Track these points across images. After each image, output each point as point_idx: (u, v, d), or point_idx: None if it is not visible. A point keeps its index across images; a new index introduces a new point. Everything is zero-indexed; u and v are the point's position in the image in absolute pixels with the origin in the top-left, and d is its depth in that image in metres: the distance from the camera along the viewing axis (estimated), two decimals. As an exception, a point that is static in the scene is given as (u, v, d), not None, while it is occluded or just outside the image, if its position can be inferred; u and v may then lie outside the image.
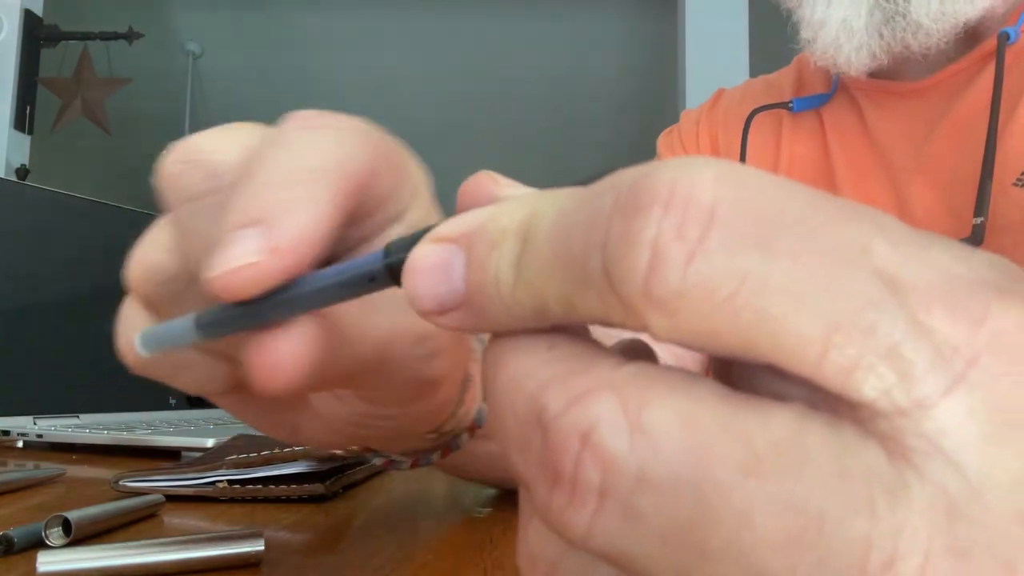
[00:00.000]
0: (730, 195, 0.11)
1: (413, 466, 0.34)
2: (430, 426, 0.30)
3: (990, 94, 0.55)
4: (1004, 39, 0.56)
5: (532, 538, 0.13)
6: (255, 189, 0.18)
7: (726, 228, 0.11)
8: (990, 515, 0.10)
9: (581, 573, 0.12)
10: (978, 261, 0.11)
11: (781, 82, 0.73)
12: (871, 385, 0.10)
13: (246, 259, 0.17)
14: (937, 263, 0.11)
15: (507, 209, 0.13)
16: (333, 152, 0.20)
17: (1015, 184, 0.54)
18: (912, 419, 0.10)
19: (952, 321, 0.10)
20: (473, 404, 0.32)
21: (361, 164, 0.20)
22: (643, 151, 0.78)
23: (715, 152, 0.73)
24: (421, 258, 0.13)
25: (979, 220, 0.53)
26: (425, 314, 0.13)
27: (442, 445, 0.33)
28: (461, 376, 0.29)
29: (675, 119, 0.79)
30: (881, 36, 0.57)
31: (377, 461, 0.33)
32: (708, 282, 0.10)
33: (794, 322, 0.10)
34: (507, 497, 0.44)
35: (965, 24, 0.56)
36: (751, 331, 0.10)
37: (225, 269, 0.17)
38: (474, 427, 0.33)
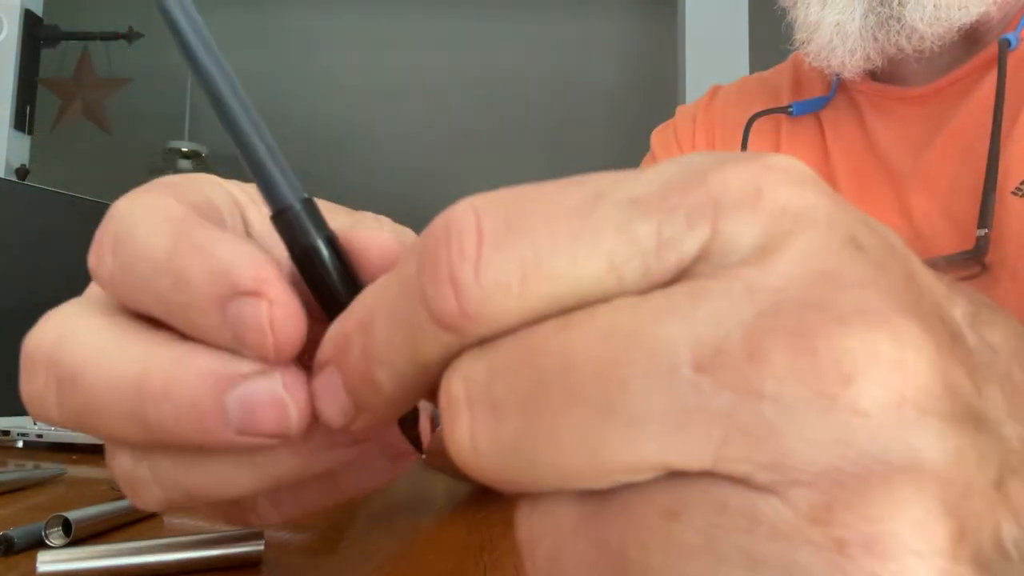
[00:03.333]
0: (488, 207, 0.13)
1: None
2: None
3: (992, 101, 0.55)
4: (1005, 45, 0.56)
5: (536, 522, 0.13)
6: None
7: (493, 232, 0.13)
8: (777, 277, 0.12)
9: (583, 555, 0.12)
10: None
11: (777, 80, 0.73)
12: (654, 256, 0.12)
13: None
14: (650, 179, 0.13)
15: (348, 317, 0.15)
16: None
17: (1014, 193, 0.53)
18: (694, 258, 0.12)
19: (679, 207, 0.13)
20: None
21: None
22: (642, 151, 0.78)
23: (712, 150, 0.72)
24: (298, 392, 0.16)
25: (983, 232, 0.52)
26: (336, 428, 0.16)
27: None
28: None
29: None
30: (875, 39, 0.57)
31: None
32: (500, 279, 0.12)
33: (574, 257, 0.12)
34: (507, 497, 0.44)
35: (960, 29, 0.56)
36: (550, 289, 0.12)
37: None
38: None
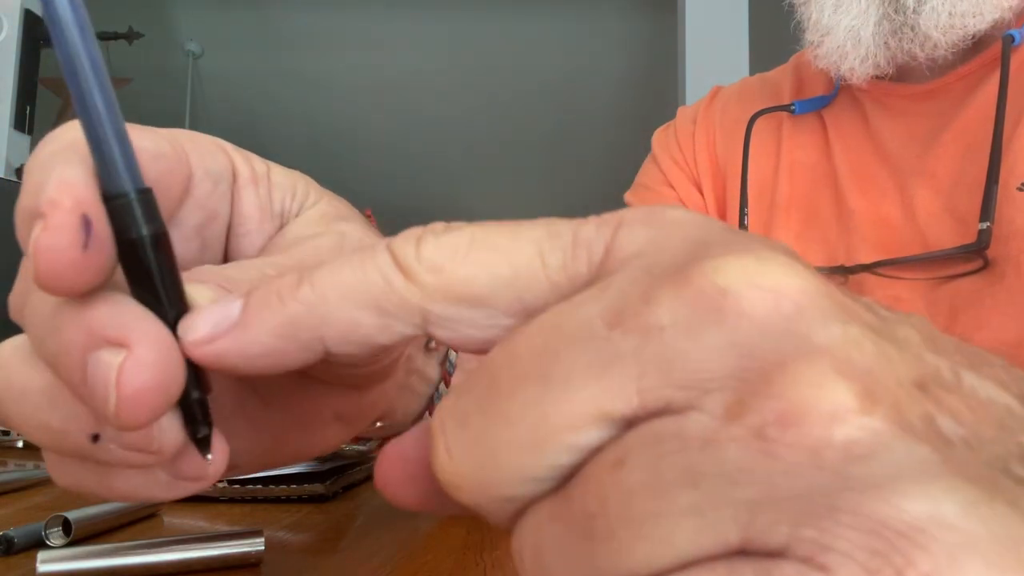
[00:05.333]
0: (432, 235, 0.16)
1: (383, 446, 0.35)
2: (377, 412, 0.30)
3: (996, 98, 0.55)
4: (1009, 41, 0.56)
5: (522, 528, 0.14)
6: None
7: (431, 229, 0.16)
8: (665, 253, 0.14)
9: (558, 536, 0.13)
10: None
11: (779, 81, 0.73)
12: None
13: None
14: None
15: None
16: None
17: (1020, 188, 0.53)
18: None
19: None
20: (423, 386, 0.33)
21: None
22: (642, 151, 0.78)
23: (713, 153, 0.72)
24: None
25: (985, 225, 0.53)
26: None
27: (403, 429, 0.34)
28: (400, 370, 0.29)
29: (674, 119, 0.79)
30: (888, 47, 0.56)
31: (372, 445, 0.34)
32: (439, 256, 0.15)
33: (512, 239, 0.15)
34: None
35: (974, 36, 0.55)
36: (492, 264, 0.15)
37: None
38: (432, 407, 0.34)
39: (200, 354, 0.16)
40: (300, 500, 0.44)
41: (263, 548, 0.31)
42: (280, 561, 0.32)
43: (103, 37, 3.04)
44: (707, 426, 0.12)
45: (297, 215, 0.24)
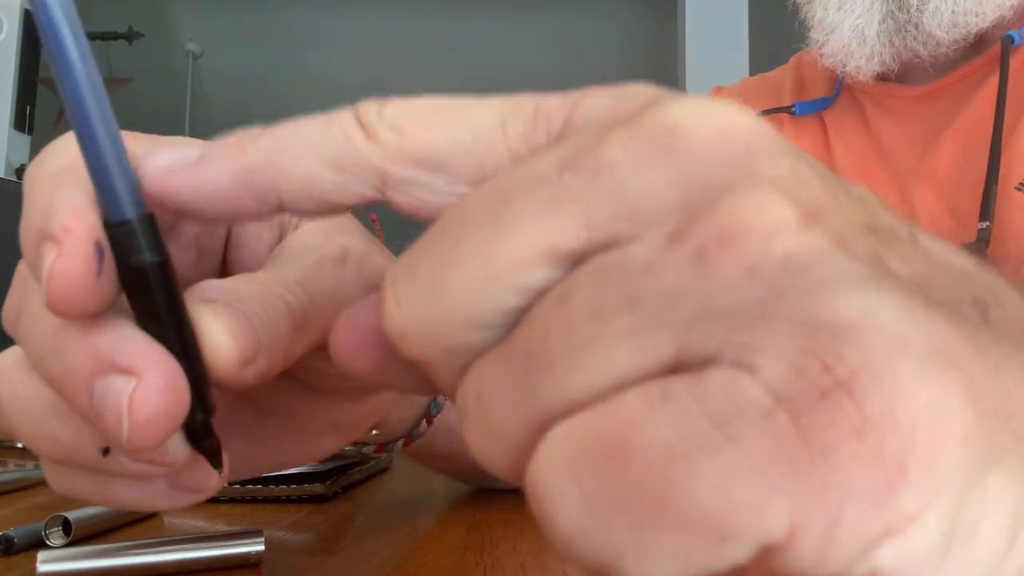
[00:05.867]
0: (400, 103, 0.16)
1: (378, 451, 0.35)
2: (372, 421, 0.30)
3: (996, 99, 0.55)
4: (1008, 42, 0.56)
5: (467, 377, 0.14)
6: None
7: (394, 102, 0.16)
8: (619, 113, 0.14)
9: (500, 374, 0.13)
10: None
11: (780, 81, 0.73)
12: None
13: None
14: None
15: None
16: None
17: (1019, 188, 0.54)
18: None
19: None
20: (424, 397, 0.33)
21: None
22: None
23: None
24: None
25: (985, 224, 0.53)
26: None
27: (399, 436, 0.34)
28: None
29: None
30: (892, 44, 0.57)
31: (368, 449, 0.34)
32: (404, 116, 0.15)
33: (473, 107, 0.15)
34: (507, 497, 0.44)
35: (976, 34, 0.56)
36: (454, 127, 0.15)
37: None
38: (430, 417, 0.34)
39: (155, 187, 0.16)
40: (300, 500, 0.44)
41: (263, 548, 0.31)
42: (280, 561, 0.32)
43: (103, 37, 3.04)
44: (649, 254, 0.12)
45: (297, 226, 0.24)
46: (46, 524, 0.32)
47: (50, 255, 0.16)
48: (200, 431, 0.18)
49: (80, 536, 0.33)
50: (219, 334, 0.18)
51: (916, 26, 0.55)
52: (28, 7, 2.77)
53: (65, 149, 0.18)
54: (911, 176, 0.60)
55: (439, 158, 0.15)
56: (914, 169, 0.60)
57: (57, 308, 0.16)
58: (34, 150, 2.91)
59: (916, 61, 0.58)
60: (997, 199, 0.53)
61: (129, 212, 0.16)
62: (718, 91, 0.77)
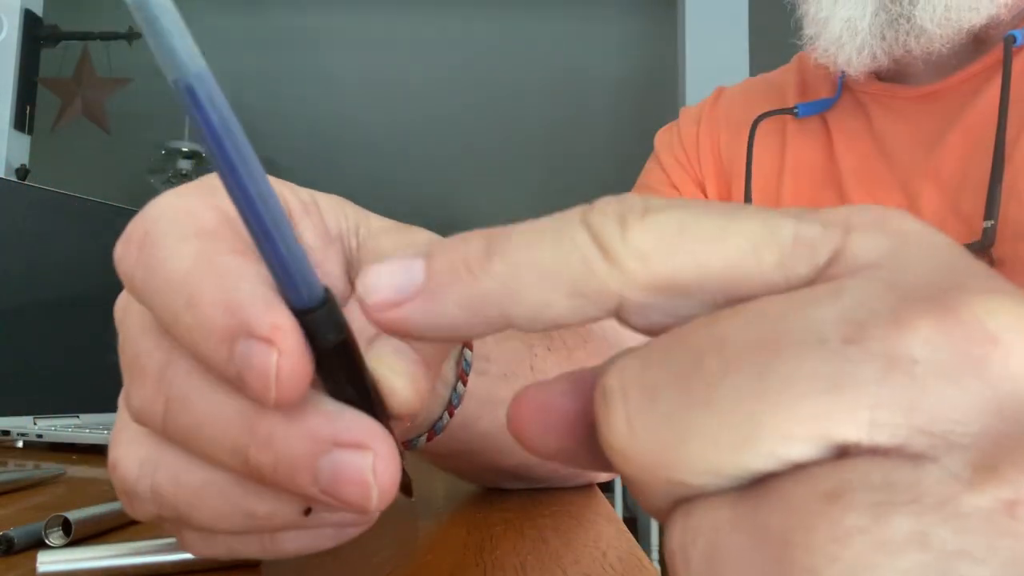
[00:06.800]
0: (639, 203, 0.15)
1: (404, 447, 0.34)
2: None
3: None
4: (1010, 42, 0.56)
5: (691, 523, 0.13)
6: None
7: (630, 207, 0.15)
8: (910, 272, 0.13)
9: (741, 548, 0.12)
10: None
11: (783, 81, 0.73)
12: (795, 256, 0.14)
13: None
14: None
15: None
16: None
17: None
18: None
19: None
20: (442, 388, 0.33)
21: None
22: (643, 151, 0.78)
23: (717, 154, 0.72)
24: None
25: (989, 223, 0.53)
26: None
27: (425, 430, 0.34)
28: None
29: (675, 119, 0.79)
30: (883, 38, 0.57)
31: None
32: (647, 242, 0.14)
33: (724, 228, 0.14)
34: (507, 497, 0.44)
35: (969, 31, 0.56)
36: (700, 253, 0.14)
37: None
38: (452, 408, 0.33)
39: (383, 319, 0.15)
40: (300, 500, 0.44)
41: (263, 548, 0.30)
42: (280, 561, 0.32)
43: (103, 37, 3.04)
44: (948, 485, 0.11)
45: (356, 234, 0.24)
46: (46, 524, 0.32)
47: (264, 354, 0.16)
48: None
49: (80, 536, 0.33)
50: (398, 383, 0.20)
51: (908, 19, 0.56)
52: (29, 6, 2.77)
53: (200, 214, 0.20)
54: (915, 176, 0.60)
55: (685, 286, 0.14)
56: (918, 169, 0.60)
57: (285, 403, 0.17)
58: (34, 150, 2.92)
59: (908, 58, 0.58)
60: (1003, 199, 0.53)
61: (313, 301, 0.17)
62: (721, 92, 0.77)
